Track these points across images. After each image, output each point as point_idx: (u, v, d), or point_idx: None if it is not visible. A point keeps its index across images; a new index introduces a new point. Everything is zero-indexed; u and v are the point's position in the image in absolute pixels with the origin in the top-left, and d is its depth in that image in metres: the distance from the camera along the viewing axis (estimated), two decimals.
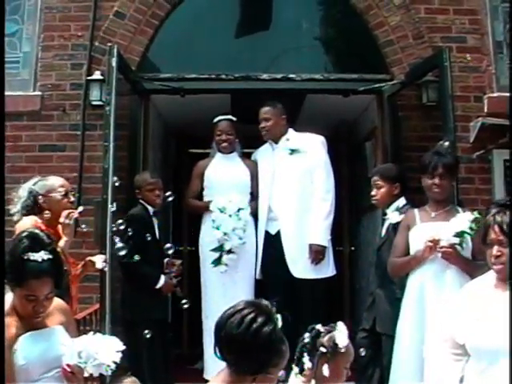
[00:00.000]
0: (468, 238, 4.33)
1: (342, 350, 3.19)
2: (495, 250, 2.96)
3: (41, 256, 3.04)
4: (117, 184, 4.98)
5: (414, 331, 4.42)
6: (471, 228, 4.26)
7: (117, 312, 5.13)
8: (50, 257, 3.07)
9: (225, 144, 5.92)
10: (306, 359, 3.20)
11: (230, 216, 5.61)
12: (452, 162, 4.59)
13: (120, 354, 3.12)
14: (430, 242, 4.38)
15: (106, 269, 4.84)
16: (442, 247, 4.35)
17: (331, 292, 6.43)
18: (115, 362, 3.09)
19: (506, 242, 2.92)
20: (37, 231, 3.31)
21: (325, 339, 3.22)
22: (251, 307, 2.49)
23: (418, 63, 6.04)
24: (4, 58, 4.09)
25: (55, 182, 4.61)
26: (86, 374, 3.07)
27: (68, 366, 3.02)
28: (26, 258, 3.01)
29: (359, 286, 7.16)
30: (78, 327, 3.57)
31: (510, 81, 5.84)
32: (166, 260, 5.42)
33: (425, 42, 6.19)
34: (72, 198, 4.66)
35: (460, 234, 4.29)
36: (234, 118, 6.00)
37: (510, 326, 2.67)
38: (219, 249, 5.64)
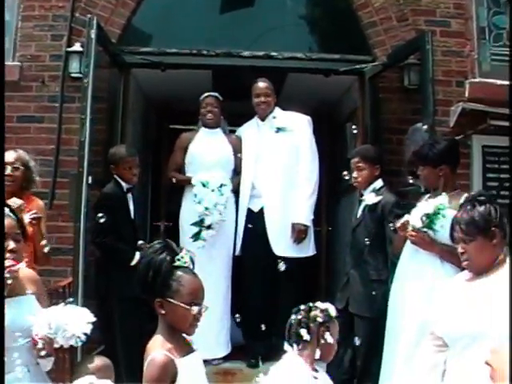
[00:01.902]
0: (443, 221, 4.21)
1: (334, 318, 3.49)
2: (459, 247, 3.08)
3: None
4: (89, 181, 4.99)
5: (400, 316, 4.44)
6: (435, 213, 4.21)
7: (90, 286, 5.11)
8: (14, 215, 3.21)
9: (210, 115, 5.91)
10: (303, 332, 3.40)
11: (213, 191, 5.61)
12: (427, 154, 4.47)
13: (90, 326, 3.12)
14: (401, 224, 4.41)
15: (81, 241, 4.86)
16: (408, 231, 4.37)
17: (307, 271, 6.44)
18: (86, 334, 3.09)
19: (467, 239, 3.03)
20: None
21: (317, 312, 3.46)
22: (157, 242, 2.82)
23: (400, 45, 6.02)
24: (4, 58, 4.03)
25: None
26: (56, 346, 3.06)
27: (38, 336, 3.01)
28: None
29: (335, 266, 7.18)
30: (51, 299, 3.54)
31: (510, 71, 5.83)
32: (139, 243, 5.30)
33: (408, 24, 6.16)
34: (8, 171, 4.66)
35: (428, 219, 4.24)
36: (220, 97, 5.97)
37: (510, 317, 2.69)
38: (199, 224, 5.64)
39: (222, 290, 5.78)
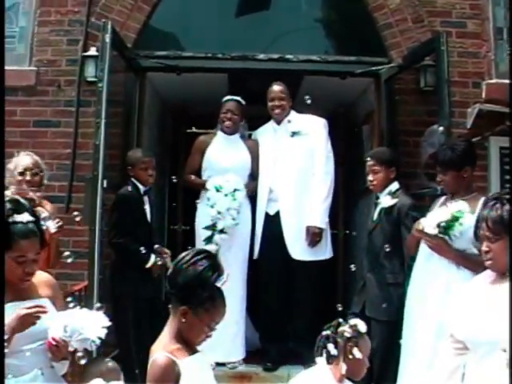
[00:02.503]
0: (460, 228, 4.17)
1: (363, 334, 3.34)
2: (484, 245, 2.98)
3: (25, 217, 3.07)
4: (104, 185, 5.03)
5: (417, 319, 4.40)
6: (454, 220, 4.16)
7: (106, 289, 5.13)
8: (33, 218, 3.11)
9: (228, 123, 5.88)
10: (331, 347, 3.32)
11: (226, 195, 5.60)
12: (451, 158, 4.36)
13: (105, 330, 3.11)
14: (417, 229, 4.38)
15: (96, 245, 4.89)
16: (425, 237, 4.33)
17: (325, 275, 6.43)
18: (100, 338, 3.08)
19: (492, 237, 2.92)
20: (17, 197, 3.32)
21: (346, 327, 3.35)
22: (204, 252, 2.80)
23: (415, 47, 5.99)
24: (4, 56, 4.06)
25: (20, 161, 4.69)
26: (70, 349, 3.05)
27: (53, 339, 3.01)
28: (11, 220, 3.04)
29: (352, 269, 7.15)
30: (67, 303, 3.54)
31: (510, 69, 5.79)
32: (155, 247, 5.36)
33: (424, 26, 6.12)
34: (28, 178, 4.68)
35: (445, 225, 4.19)
36: (243, 101, 5.94)
37: (510, 319, 2.65)
38: (211, 227, 5.63)
39: (239, 293, 5.76)
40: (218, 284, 2.74)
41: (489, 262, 2.97)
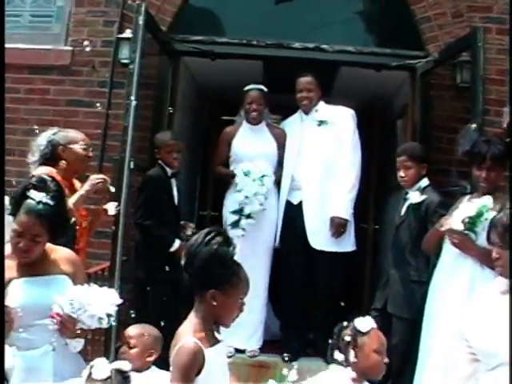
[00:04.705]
0: (484, 223, 3.98)
1: (365, 333, 3.28)
2: (494, 252, 2.88)
3: (40, 197, 3.09)
4: (132, 166, 5.04)
5: (436, 319, 4.34)
6: (478, 215, 4.07)
7: (128, 270, 5.16)
8: (50, 202, 3.11)
9: (254, 114, 5.86)
10: (336, 353, 3.31)
11: (254, 180, 5.61)
12: (502, 153, 4.25)
13: (115, 308, 3.11)
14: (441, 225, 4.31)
15: (120, 226, 4.92)
16: (450, 233, 4.26)
17: (352, 269, 6.38)
18: (110, 315, 3.09)
19: (503, 244, 2.82)
20: (46, 177, 3.33)
21: (347, 330, 3.33)
22: (214, 230, 2.75)
23: (452, 42, 5.86)
24: (4, 56, 4.07)
25: (77, 134, 4.62)
26: (83, 326, 3.07)
27: (56, 314, 3.02)
28: (26, 194, 3.09)
29: (381, 264, 7.09)
30: (89, 282, 3.55)
31: (510, 71, 5.67)
32: (181, 222, 5.42)
33: (464, 20, 6.00)
34: (91, 154, 4.66)
35: (469, 221, 4.11)
36: (266, 89, 5.92)
37: (510, 328, 2.58)
38: (239, 212, 5.64)
39: (264, 283, 5.78)
40: (235, 256, 2.71)
41: (499, 269, 2.87)
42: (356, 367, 3.25)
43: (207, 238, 2.69)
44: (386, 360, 3.32)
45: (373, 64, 6.19)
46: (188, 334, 2.65)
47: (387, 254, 5.42)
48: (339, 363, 3.30)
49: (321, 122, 5.72)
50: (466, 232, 4.14)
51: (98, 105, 5.93)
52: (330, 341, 3.40)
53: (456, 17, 6.02)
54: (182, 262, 2.74)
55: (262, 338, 5.79)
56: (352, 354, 3.24)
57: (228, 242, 2.72)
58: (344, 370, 3.29)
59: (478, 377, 2.87)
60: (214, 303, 2.67)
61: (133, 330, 3.99)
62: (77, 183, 4.61)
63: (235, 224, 5.63)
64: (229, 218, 5.73)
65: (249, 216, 5.61)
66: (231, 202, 5.76)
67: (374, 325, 3.35)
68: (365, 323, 3.32)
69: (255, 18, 6.26)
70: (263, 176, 5.62)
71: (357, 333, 3.29)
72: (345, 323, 3.39)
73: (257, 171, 5.63)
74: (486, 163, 4.24)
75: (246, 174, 5.64)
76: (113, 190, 4.70)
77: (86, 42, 5.05)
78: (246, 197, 5.58)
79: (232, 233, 5.55)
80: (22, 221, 3.08)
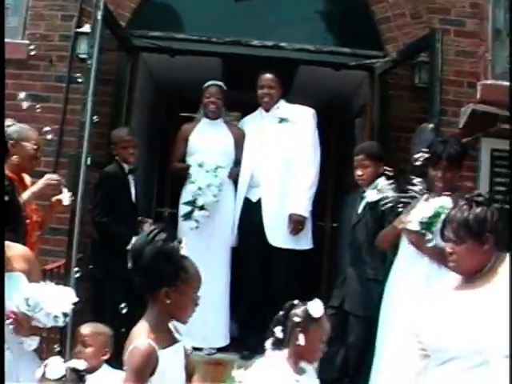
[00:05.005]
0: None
1: (316, 319, 3.24)
2: (448, 247, 2.88)
3: None
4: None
5: (392, 316, 4.36)
6: (436, 215, 4.07)
7: (84, 268, 5.10)
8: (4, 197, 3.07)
9: (212, 107, 5.87)
10: (278, 330, 3.25)
11: (207, 171, 5.60)
12: (458, 153, 4.35)
13: (71, 306, 3.08)
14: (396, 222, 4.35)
15: (76, 222, 4.87)
16: (407, 232, 4.30)
17: (309, 267, 6.40)
18: (66, 314, 3.05)
19: (456, 240, 2.83)
20: None
21: (298, 310, 3.27)
22: (156, 228, 2.67)
23: (411, 42, 5.92)
24: (4, 55, 4.00)
25: (31, 133, 4.52)
26: (38, 324, 3.04)
27: (12, 312, 2.97)
28: None
29: (338, 263, 7.13)
30: (44, 279, 3.49)
31: (510, 72, 5.74)
32: (139, 218, 5.40)
33: (423, 22, 6.06)
34: (39, 154, 4.56)
35: (427, 221, 4.12)
36: (225, 86, 5.93)
37: (510, 325, 2.57)
38: (192, 203, 5.61)
39: (222, 280, 5.75)
40: (182, 251, 2.65)
41: (452, 265, 2.87)
42: (297, 349, 3.22)
43: (150, 236, 2.63)
44: (325, 349, 3.31)
45: (332, 63, 6.22)
46: (142, 334, 2.60)
47: (345, 252, 5.46)
48: (275, 342, 3.26)
49: (281, 120, 5.72)
50: (423, 231, 4.18)
51: None
52: (276, 316, 3.35)
53: (415, 18, 6.08)
54: (129, 265, 2.66)
55: (227, 337, 5.80)
56: (301, 337, 3.18)
57: (172, 237, 2.67)
58: (277, 353, 3.26)
59: (426, 372, 2.87)
60: (168, 301, 2.62)
61: (87, 329, 3.95)
62: (26, 178, 4.53)
63: (188, 215, 5.61)
64: (182, 209, 5.72)
65: (202, 207, 5.58)
66: (185, 193, 5.76)
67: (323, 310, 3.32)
68: (317, 308, 3.27)
69: (215, 15, 6.23)
70: (217, 168, 5.62)
71: (308, 317, 3.24)
72: (295, 301, 3.34)
73: (211, 162, 5.63)
74: (442, 163, 4.30)
75: (199, 165, 5.64)
76: (66, 202, 4.57)
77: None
78: (199, 188, 5.57)
79: (185, 224, 5.57)
80: None
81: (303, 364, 3.31)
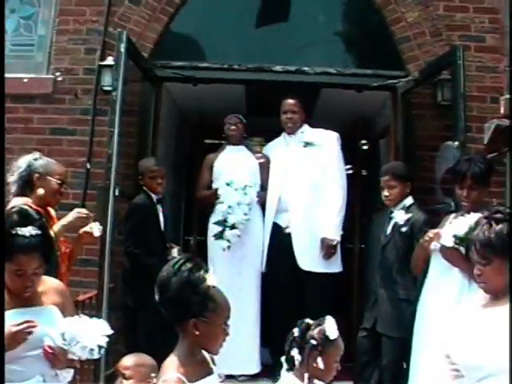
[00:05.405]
0: None
1: (333, 340, 3.16)
2: (475, 269, 2.84)
3: (29, 231, 3.03)
4: (116, 193, 5.03)
5: (426, 336, 4.30)
6: (469, 231, 4.06)
7: (116, 298, 5.12)
8: (39, 232, 3.06)
9: (233, 127, 5.97)
10: (295, 352, 3.16)
11: (236, 190, 5.64)
12: (483, 171, 4.27)
13: (106, 338, 3.09)
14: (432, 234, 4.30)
15: (107, 253, 4.90)
16: (442, 247, 4.26)
17: (339, 289, 6.37)
18: (101, 346, 3.06)
19: (482, 261, 2.78)
20: (26, 207, 3.31)
21: (315, 332, 3.19)
22: (182, 258, 2.63)
23: (432, 61, 5.92)
24: (4, 59, 4.06)
25: (57, 167, 4.55)
26: (73, 357, 3.05)
27: (49, 347, 3.00)
28: (14, 232, 3.00)
29: (368, 284, 7.09)
30: (77, 311, 3.51)
31: (511, 75, 5.73)
32: (167, 244, 5.42)
33: (442, 39, 6.06)
34: (63, 190, 4.56)
35: (460, 237, 4.06)
36: (244, 120, 6.03)
37: (510, 338, 2.56)
38: (222, 223, 5.63)
39: (253, 305, 5.75)
40: (210, 280, 2.58)
41: (482, 285, 2.83)
42: (315, 370, 3.13)
43: (176, 267, 2.57)
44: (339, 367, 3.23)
45: (354, 85, 6.25)
46: (172, 368, 2.53)
47: (374, 273, 5.42)
48: (291, 364, 3.16)
49: (307, 144, 5.76)
50: (457, 246, 4.15)
51: None
52: (289, 336, 3.24)
53: (435, 36, 6.08)
54: (156, 297, 2.62)
55: (259, 363, 5.76)
56: (320, 360, 3.10)
57: (199, 266, 2.60)
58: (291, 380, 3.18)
59: None
60: (197, 332, 2.55)
61: (129, 361, 3.90)
62: (52, 211, 4.57)
63: (219, 235, 5.63)
64: (212, 229, 5.73)
65: (233, 227, 5.60)
66: (215, 214, 5.77)
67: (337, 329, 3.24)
68: (333, 329, 3.18)
69: (236, 43, 6.31)
70: (246, 186, 5.66)
71: (325, 339, 3.16)
72: (310, 321, 3.26)
73: (239, 181, 5.67)
74: (467, 182, 4.25)
75: (228, 184, 5.67)
76: (97, 234, 4.56)
77: None
78: (229, 206, 5.60)
79: (216, 246, 5.59)
80: (23, 261, 3.00)
81: (316, 381, 3.21)
